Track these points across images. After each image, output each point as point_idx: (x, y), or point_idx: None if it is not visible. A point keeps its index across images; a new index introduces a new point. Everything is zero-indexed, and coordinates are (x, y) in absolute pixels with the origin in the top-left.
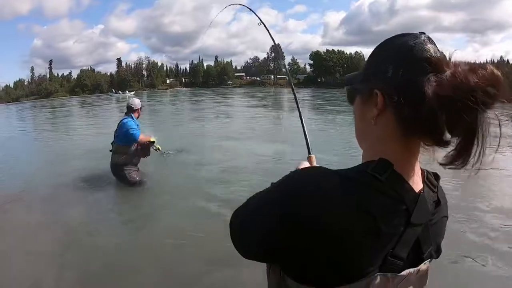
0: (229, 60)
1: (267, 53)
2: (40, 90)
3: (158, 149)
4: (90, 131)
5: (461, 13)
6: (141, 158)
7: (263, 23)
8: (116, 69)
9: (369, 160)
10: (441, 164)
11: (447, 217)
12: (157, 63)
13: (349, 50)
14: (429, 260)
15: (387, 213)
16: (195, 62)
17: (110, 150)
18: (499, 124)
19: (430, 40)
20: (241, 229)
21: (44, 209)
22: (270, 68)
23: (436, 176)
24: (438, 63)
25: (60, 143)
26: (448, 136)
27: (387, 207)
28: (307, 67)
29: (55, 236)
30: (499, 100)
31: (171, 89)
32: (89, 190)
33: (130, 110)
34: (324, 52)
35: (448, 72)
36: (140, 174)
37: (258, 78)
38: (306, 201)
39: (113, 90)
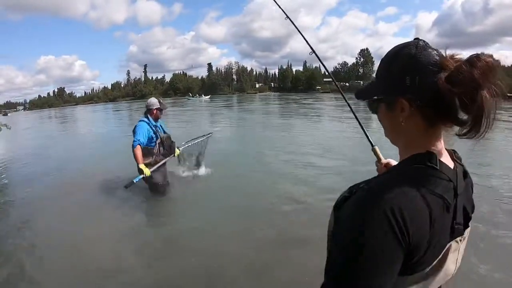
0: (317, 66)
1: (356, 58)
2: (135, 92)
3: (144, 174)
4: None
5: None
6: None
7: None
8: (207, 73)
9: (414, 153)
10: (458, 135)
11: (472, 182)
12: (246, 68)
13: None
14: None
15: (447, 192)
16: (284, 67)
17: None
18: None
19: (427, 44)
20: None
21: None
22: (359, 73)
23: (457, 153)
24: (442, 63)
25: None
26: (464, 116)
27: (446, 187)
28: None
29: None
30: (497, 82)
31: (260, 93)
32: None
33: (146, 110)
34: None
35: (454, 68)
36: (164, 175)
37: (347, 84)
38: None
39: (190, 94)
